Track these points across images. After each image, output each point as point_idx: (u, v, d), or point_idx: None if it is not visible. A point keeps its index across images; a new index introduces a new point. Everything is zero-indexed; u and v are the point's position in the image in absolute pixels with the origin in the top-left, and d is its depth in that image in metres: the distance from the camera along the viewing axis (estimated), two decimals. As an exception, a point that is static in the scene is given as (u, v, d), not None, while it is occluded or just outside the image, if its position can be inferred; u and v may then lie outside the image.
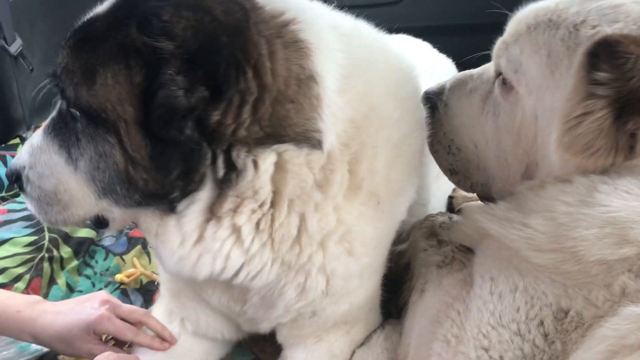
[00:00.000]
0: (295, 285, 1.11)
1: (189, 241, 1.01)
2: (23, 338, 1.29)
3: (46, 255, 1.64)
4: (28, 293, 1.52)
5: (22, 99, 2.30)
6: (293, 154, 0.98)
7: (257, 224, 1.02)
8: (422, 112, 1.29)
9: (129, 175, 0.95)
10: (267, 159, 0.97)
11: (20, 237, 1.68)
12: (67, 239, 1.73)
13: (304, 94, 0.97)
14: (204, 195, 0.98)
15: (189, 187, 0.96)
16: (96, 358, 1.07)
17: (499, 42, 1.08)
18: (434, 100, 1.20)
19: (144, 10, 0.91)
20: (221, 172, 0.96)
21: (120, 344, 1.31)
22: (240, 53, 0.91)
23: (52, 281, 1.61)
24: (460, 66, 2.36)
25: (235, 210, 0.99)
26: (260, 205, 1.00)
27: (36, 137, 1.08)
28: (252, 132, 0.94)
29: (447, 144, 1.18)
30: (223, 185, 0.97)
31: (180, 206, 0.98)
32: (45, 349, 1.34)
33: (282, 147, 0.97)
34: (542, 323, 0.88)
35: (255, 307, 1.20)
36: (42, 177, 1.05)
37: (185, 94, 0.89)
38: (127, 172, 0.95)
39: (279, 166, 0.99)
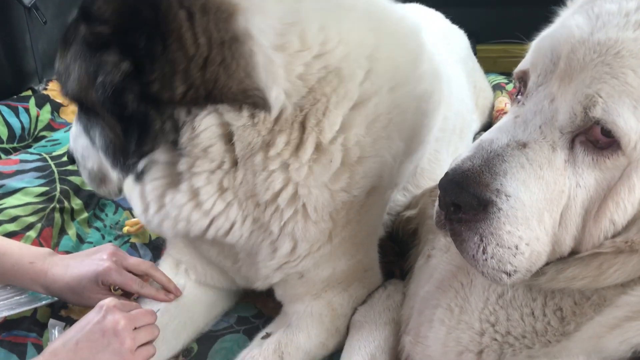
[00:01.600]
0: (267, 243, 1.18)
1: (151, 209, 1.13)
2: (35, 289, 1.31)
3: (57, 205, 1.66)
4: (39, 242, 1.55)
5: (34, 51, 2.28)
6: (233, 115, 1.04)
7: (221, 184, 1.09)
8: (419, 85, 1.26)
9: (123, 148, 1.08)
10: (205, 119, 1.03)
11: (32, 187, 1.70)
12: (77, 191, 1.75)
13: (231, 55, 1.00)
14: (160, 156, 1.07)
15: (143, 149, 1.06)
16: (100, 302, 1.10)
17: (582, 93, 0.83)
18: (485, 197, 0.86)
19: (83, 4, 1.02)
20: (171, 135, 1.04)
21: (128, 295, 1.34)
22: (163, 26, 0.96)
23: (62, 231, 1.64)
24: (473, 37, 2.31)
25: (191, 170, 1.07)
26: (220, 166, 1.07)
27: (73, 125, 1.27)
28: (188, 96, 1.00)
29: (514, 243, 0.88)
30: (175, 147, 1.06)
31: (140, 165, 1.08)
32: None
33: (220, 107, 1.03)
34: (560, 309, 0.88)
35: (244, 264, 1.25)
36: (84, 159, 1.25)
37: (112, 70, 0.98)
38: (122, 145, 1.08)
39: (226, 128, 1.05)
